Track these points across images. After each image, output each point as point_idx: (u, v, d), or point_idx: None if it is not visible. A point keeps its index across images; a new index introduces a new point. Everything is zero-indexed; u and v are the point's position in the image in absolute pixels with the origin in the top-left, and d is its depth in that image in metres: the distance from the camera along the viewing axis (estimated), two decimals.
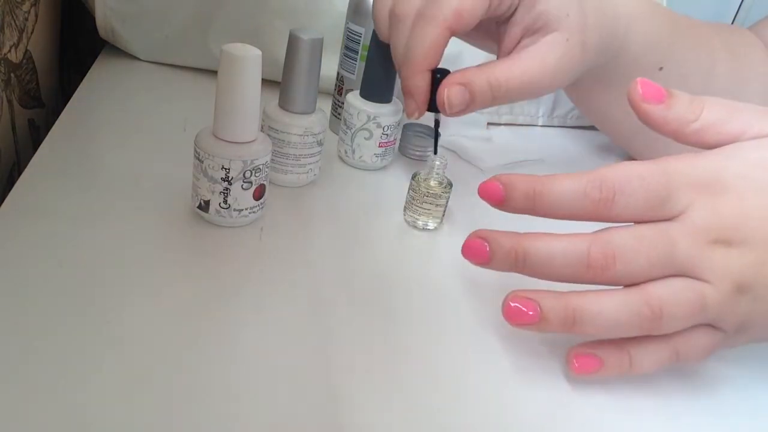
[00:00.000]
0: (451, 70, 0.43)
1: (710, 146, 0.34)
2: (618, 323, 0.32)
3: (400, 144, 0.57)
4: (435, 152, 0.46)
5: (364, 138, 0.51)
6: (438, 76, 0.43)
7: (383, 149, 0.52)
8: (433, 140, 0.48)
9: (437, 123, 0.46)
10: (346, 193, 0.49)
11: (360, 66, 0.54)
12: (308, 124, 0.45)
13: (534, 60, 0.42)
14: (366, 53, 0.50)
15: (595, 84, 0.49)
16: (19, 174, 0.42)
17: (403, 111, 0.61)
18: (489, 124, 0.67)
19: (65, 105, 0.52)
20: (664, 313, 0.31)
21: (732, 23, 0.88)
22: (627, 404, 0.34)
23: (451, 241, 0.46)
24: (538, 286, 0.33)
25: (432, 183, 0.45)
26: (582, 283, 0.32)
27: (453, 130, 0.61)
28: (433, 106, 0.44)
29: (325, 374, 0.32)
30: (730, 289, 0.31)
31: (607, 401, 0.34)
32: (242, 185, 0.39)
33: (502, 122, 0.69)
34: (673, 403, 0.35)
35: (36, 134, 0.55)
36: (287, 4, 0.60)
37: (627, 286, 0.32)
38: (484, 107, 0.42)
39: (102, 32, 0.61)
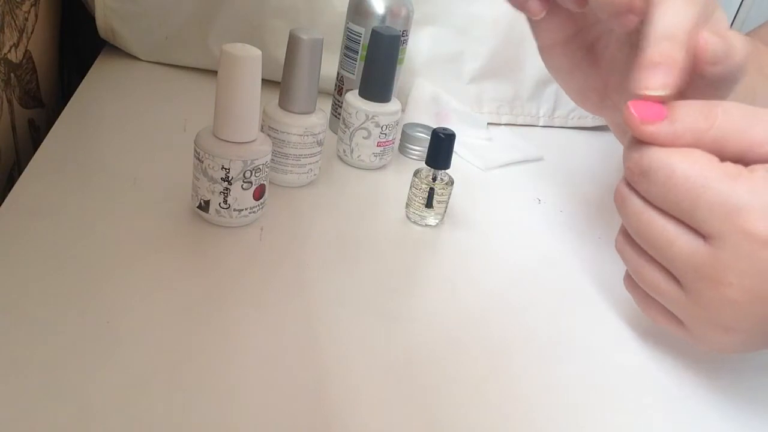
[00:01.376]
0: (455, 132, 0.43)
1: (732, 156, 0.32)
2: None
3: (399, 144, 0.57)
4: (427, 205, 0.45)
5: (363, 137, 0.51)
6: (442, 136, 0.43)
7: (382, 149, 0.52)
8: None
9: (432, 191, 0.45)
10: (346, 193, 0.49)
11: (360, 66, 0.54)
12: (308, 124, 0.45)
13: None
14: (366, 53, 0.51)
15: None
16: (19, 174, 0.42)
17: (403, 111, 0.61)
18: (489, 124, 0.67)
19: (65, 105, 0.52)
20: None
21: (732, 23, 0.88)
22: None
23: (452, 237, 0.46)
24: (541, 285, 0.33)
25: (433, 180, 0.45)
26: None
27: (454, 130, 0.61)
28: (434, 162, 0.44)
29: (326, 374, 0.32)
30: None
31: (610, 410, 0.34)
32: (242, 185, 0.39)
33: (502, 122, 0.69)
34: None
35: (36, 134, 0.55)
36: (287, 4, 0.60)
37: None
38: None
39: (102, 32, 0.61)
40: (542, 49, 0.44)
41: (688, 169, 0.32)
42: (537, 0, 0.39)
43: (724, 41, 0.34)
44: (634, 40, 0.37)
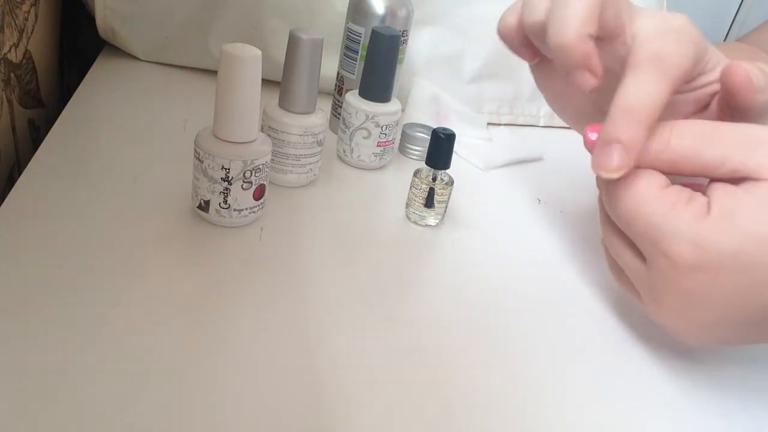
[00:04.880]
0: (455, 132, 0.44)
1: (688, 175, 0.33)
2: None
3: (399, 144, 0.57)
4: (427, 205, 0.45)
5: (363, 137, 0.51)
6: (442, 136, 0.43)
7: (382, 149, 0.52)
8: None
9: (432, 191, 0.45)
10: (346, 193, 0.49)
11: (360, 66, 0.54)
12: (308, 124, 0.45)
13: None
14: (366, 53, 0.51)
15: None
16: (19, 174, 0.42)
17: (403, 111, 0.61)
18: (489, 124, 0.67)
19: (65, 105, 0.52)
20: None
21: (731, 24, 0.88)
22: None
23: (452, 237, 0.46)
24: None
25: (433, 180, 0.45)
26: None
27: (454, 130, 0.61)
28: (434, 162, 0.44)
29: (325, 374, 0.32)
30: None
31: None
32: (242, 185, 0.39)
33: (503, 122, 0.69)
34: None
35: (36, 134, 0.55)
36: (287, 4, 0.60)
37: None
38: None
39: (102, 32, 0.61)
40: (546, 100, 0.46)
41: (627, 194, 0.33)
42: (527, 47, 0.41)
43: (762, 71, 0.35)
44: None
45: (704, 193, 0.33)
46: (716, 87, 0.37)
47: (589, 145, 0.35)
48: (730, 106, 0.37)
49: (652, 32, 0.35)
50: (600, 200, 0.37)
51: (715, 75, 0.37)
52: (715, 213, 0.31)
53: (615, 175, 0.33)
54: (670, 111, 0.39)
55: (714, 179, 0.33)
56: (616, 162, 0.33)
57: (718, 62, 0.37)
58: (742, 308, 0.31)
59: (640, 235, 0.33)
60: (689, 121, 0.33)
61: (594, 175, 0.35)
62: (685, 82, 0.36)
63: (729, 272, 0.30)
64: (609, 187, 0.34)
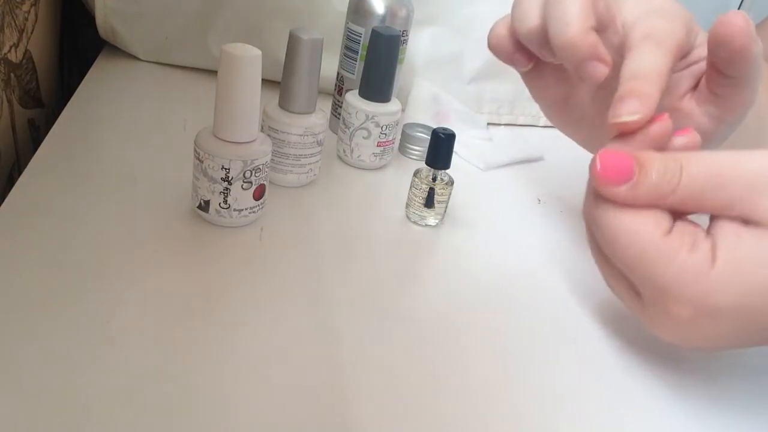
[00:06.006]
0: (455, 132, 0.44)
1: (694, 214, 0.33)
2: None
3: (399, 144, 0.57)
4: (427, 205, 0.45)
5: (363, 137, 0.51)
6: (442, 136, 0.43)
7: (382, 149, 0.52)
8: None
9: (432, 191, 0.44)
10: (346, 193, 0.49)
11: (360, 66, 0.54)
12: (308, 124, 0.45)
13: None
14: (366, 53, 0.51)
15: None
16: (19, 174, 0.42)
17: (403, 111, 0.61)
18: (489, 124, 0.67)
19: (65, 105, 0.52)
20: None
21: None
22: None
23: (452, 237, 0.46)
24: (533, 297, 0.33)
25: (433, 180, 0.45)
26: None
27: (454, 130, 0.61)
28: (434, 162, 0.44)
29: (325, 374, 0.32)
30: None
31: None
32: (242, 185, 0.39)
33: (503, 122, 0.69)
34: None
35: (36, 134, 0.55)
36: (287, 4, 0.60)
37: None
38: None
39: (102, 32, 0.61)
40: (543, 109, 0.46)
41: (628, 238, 0.32)
42: (521, 53, 0.40)
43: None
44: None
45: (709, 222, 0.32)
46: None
47: (593, 174, 0.33)
48: (721, 68, 0.36)
49: (639, 15, 0.37)
50: (589, 230, 0.35)
51: (704, 49, 0.37)
52: (719, 265, 0.30)
53: (631, 118, 0.33)
54: (670, 91, 0.39)
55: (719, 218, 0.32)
56: (630, 107, 0.33)
57: (705, 37, 0.37)
58: (739, 341, 0.32)
59: (640, 280, 0.32)
60: (700, 157, 0.32)
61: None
62: (682, 55, 0.37)
63: (729, 321, 0.30)
64: (608, 226, 0.32)
